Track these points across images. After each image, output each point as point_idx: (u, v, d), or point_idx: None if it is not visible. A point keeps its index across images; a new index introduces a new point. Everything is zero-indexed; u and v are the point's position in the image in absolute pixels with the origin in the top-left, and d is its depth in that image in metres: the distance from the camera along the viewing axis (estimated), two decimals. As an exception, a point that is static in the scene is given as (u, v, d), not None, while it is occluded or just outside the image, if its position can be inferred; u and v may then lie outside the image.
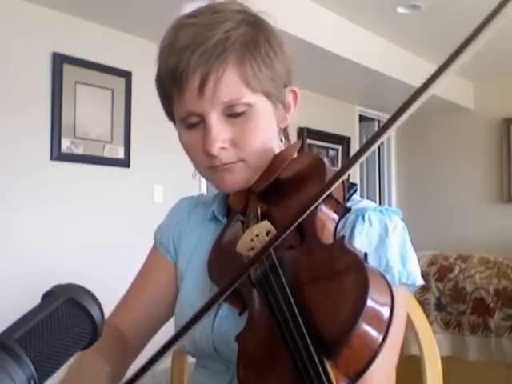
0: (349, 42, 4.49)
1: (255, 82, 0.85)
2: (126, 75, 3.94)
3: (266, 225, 0.78)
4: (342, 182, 0.81)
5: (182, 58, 0.82)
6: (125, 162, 3.95)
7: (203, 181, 4.40)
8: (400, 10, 4.24)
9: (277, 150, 0.92)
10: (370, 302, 0.60)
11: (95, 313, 0.55)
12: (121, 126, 3.93)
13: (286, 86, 0.92)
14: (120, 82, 3.92)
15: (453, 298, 2.75)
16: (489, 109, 6.22)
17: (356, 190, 0.89)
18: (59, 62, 3.59)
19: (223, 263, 0.86)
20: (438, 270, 2.84)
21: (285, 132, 0.97)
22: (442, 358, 1.07)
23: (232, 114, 0.85)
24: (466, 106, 6.24)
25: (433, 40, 4.93)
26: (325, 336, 0.61)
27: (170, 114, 0.92)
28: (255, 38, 0.86)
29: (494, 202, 6.19)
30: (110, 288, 2.98)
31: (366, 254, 0.68)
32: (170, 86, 0.86)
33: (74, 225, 3.64)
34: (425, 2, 4.11)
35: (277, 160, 0.89)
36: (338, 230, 0.78)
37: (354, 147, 6.31)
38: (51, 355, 0.51)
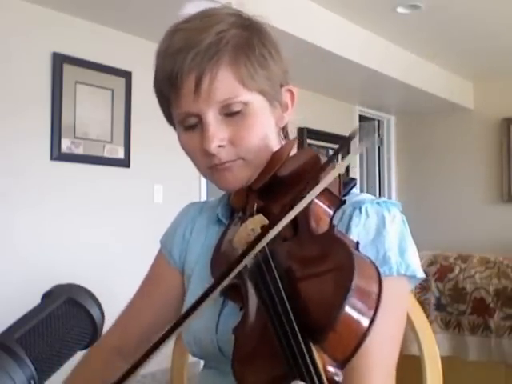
0: (349, 42, 4.49)
1: (250, 81, 0.86)
2: (126, 75, 3.94)
3: (260, 218, 0.79)
4: (338, 175, 0.81)
5: (176, 62, 0.84)
6: (125, 162, 3.95)
7: (203, 181, 4.40)
8: (400, 9, 4.24)
9: (275, 149, 0.93)
10: (354, 288, 0.61)
11: (95, 313, 0.55)
12: (121, 126, 3.93)
13: (282, 86, 0.93)
14: (120, 82, 3.92)
15: (453, 298, 2.75)
16: (489, 109, 6.21)
17: (355, 185, 0.89)
18: (59, 62, 3.59)
19: (223, 260, 0.87)
20: (437, 270, 2.84)
21: (284, 131, 0.97)
22: (442, 358, 1.07)
23: (229, 113, 0.86)
24: (466, 106, 6.23)
25: (433, 40, 4.93)
26: (312, 322, 0.62)
27: (170, 117, 0.93)
28: (249, 40, 0.87)
29: (494, 202, 6.19)
30: (109, 288, 2.99)
31: (357, 243, 0.69)
32: (167, 89, 0.87)
33: (74, 225, 3.64)
34: (425, 2, 4.11)
35: (275, 157, 0.90)
36: (333, 223, 0.78)
37: (354, 147, 6.30)
38: (51, 355, 0.51)
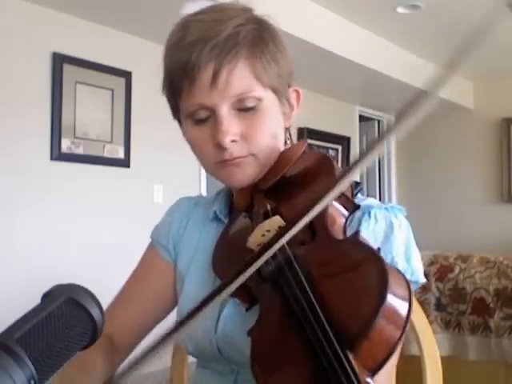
0: (349, 42, 4.49)
1: (265, 77, 0.86)
2: (126, 75, 3.94)
3: (277, 220, 0.78)
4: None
5: (193, 52, 0.83)
6: (125, 162, 3.95)
7: (203, 180, 4.40)
8: (400, 9, 4.24)
9: (282, 149, 0.92)
10: (390, 296, 0.60)
11: (95, 312, 0.55)
12: (121, 126, 3.93)
13: (289, 86, 0.93)
14: (120, 82, 3.92)
15: (453, 298, 2.75)
16: (489, 109, 6.22)
17: (361, 189, 0.90)
18: (59, 62, 3.59)
19: (231, 259, 0.85)
20: (438, 270, 2.84)
21: (288, 133, 0.97)
22: (442, 358, 1.07)
23: (242, 108, 0.86)
24: (466, 106, 6.23)
25: (433, 40, 4.93)
26: (345, 329, 0.61)
27: (176, 110, 0.92)
28: (263, 36, 0.88)
29: (494, 202, 6.19)
30: (109, 288, 2.98)
31: (379, 249, 0.69)
32: (181, 80, 0.85)
33: (74, 225, 3.64)
34: (425, 2, 4.11)
35: (283, 157, 0.90)
36: (346, 227, 0.79)
37: (354, 147, 6.31)
38: (51, 355, 0.51)
